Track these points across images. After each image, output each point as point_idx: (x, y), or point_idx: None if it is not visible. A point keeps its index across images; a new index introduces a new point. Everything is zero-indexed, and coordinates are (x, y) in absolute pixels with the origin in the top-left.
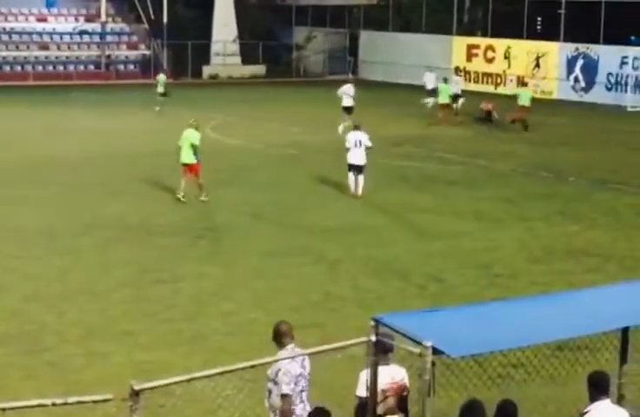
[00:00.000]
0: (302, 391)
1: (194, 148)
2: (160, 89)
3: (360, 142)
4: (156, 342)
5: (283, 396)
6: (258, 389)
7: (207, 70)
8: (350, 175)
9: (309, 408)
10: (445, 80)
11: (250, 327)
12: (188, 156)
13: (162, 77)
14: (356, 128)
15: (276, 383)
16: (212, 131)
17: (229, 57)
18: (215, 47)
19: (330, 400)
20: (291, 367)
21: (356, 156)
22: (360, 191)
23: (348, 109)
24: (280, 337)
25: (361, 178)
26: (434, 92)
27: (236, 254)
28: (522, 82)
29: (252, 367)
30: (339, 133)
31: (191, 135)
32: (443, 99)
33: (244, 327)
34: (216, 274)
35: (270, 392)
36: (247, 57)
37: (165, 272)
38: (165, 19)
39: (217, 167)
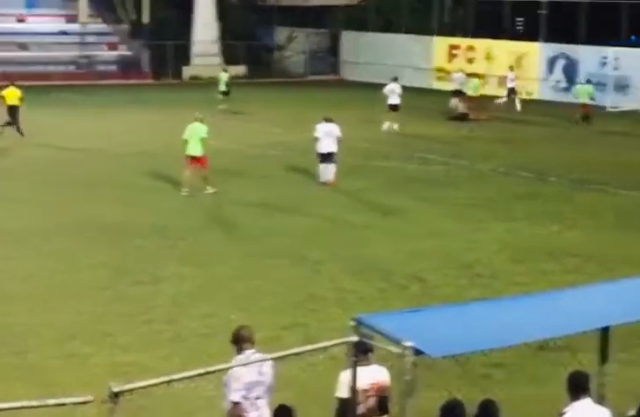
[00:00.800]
0: (257, 398)
1: (202, 141)
2: (222, 88)
3: (330, 132)
4: (135, 344)
5: (232, 403)
6: None
7: (187, 71)
8: (321, 166)
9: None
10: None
11: (229, 328)
12: (196, 149)
13: (223, 75)
14: (328, 120)
15: (227, 388)
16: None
17: (209, 58)
18: (195, 47)
19: (311, 400)
20: (242, 374)
21: (327, 145)
22: (331, 178)
23: (394, 107)
24: (240, 342)
25: (332, 166)
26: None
27: (216, 255)
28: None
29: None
30: (384, 130)
31: (199, 129)
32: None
33: (224, 328)
34: (195, 276)
35: (224, 396)
36: (228, 58)
37: (145, 273)
38: (145, 19)
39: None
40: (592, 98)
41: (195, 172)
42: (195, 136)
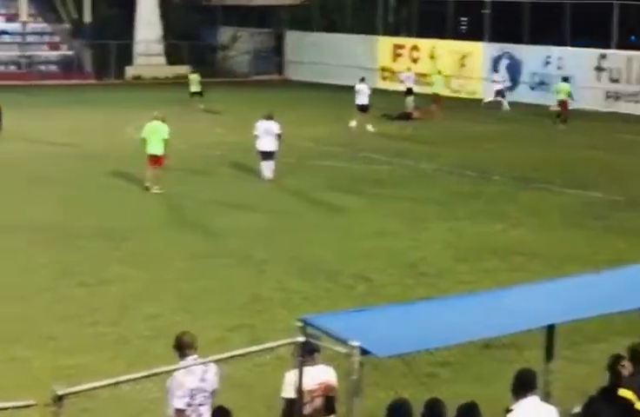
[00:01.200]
0: (200, 405)
1: (165, 141)
2: (194, 89)
3: (269, 130)
4: (79, 346)
5: (176, 410)
6: None
7: (130, 71)
8: (263, 163)
9: None
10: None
11: (175, 329)
12: (157, 148)
13: (194, 76)
14: (268, 118)
15: (170, 395)
16: (135, 132)
17: (153, 57)
18: (138, 47)
19: (258, 401)
20: (186, 381)
21: (266, 143)
22: (270, 175)
23: (362, 107)
24: (182, 348)
25: (272, 163)
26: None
27: (161, 256)
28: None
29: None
30: (352, 128)
31: (160, 129)
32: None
33: (169, 329)
34: (140, 277)
35: (168, 401)
36: (171, 58)
37: (88, 275)
38: (87, 19)
39: (141, 169)
40: (570, 96)
41: (153, 171)
42: (155, 135)
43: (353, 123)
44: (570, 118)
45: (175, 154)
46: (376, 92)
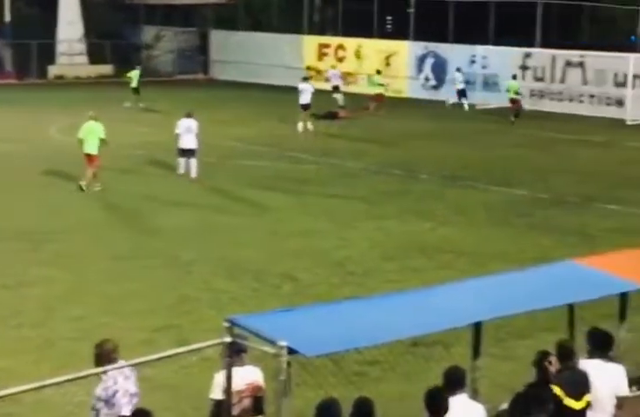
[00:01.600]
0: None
1: (101, 141)
2: (134, 84)
3: (190, 128)
4: (2, 349)
5: None
6: None
7: (52, 70)
8: (181, 160)
9: None
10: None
11: (101, 331)
12: (92, 147)
13: (135, 73)
14: (189, 116)
15: (110, 404)
16: (58, 133)
17: (75, 57)
18: (60, 46)
19: (185, 403)
20: (128, 387)
21: (187, 141)
22: (194, 174)
23: (304, 107)
24: (108, 355)
25: (193, 161)
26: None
27: (85, 257)
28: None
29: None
30: (299, 130)
31: (96, 129)
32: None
33: (95, 332)
34: (64, 279)
35: (97, 411)
36: (94, 57)
37: (9, 277)
38: (7, 18)
39: (63, 169)
40: (518, 93)
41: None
42: (91, 135)
43: (300, 124)
44: (495, 117)
45: (100, 154)
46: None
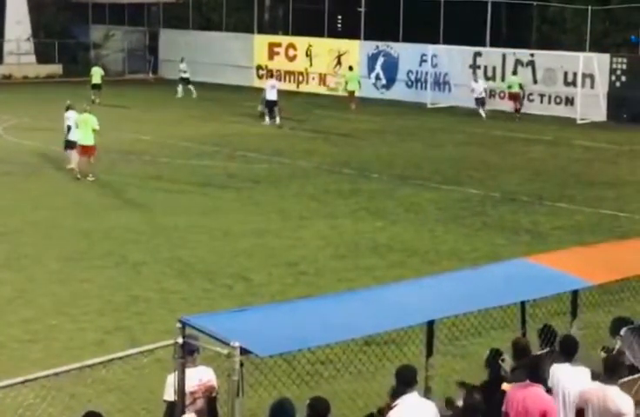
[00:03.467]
0: None
1: (95, 132)
2: (95, 81)
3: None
4: None
5: None
6: (61, 397)
7: (0, 70)
8: (73, 153)
9: None
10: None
11: (51, 333)
12: (87, 138)
13: (97, 69)
14: (70, 108)
15: None
16: (5, 132)
17: (23, 56)
18: (8, 46)
19: (138, 404)
20: None
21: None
22: (75, 166)
23: (271, 103)
24: None
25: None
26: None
27: (33, 259)
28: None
29: (56, 374)
30: (266, 124)
31: (89, 120)
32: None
33: (46, 333)
34: (12, 280)
35: None
36: (42, 56)
37: None
38: None
39: (11, 169)
40: (522, 88)
41: (82, 161)
42: (86, 126)
43: (266, 120)
44: (445, 115)
45: (46, 154)
46: (251, 90)
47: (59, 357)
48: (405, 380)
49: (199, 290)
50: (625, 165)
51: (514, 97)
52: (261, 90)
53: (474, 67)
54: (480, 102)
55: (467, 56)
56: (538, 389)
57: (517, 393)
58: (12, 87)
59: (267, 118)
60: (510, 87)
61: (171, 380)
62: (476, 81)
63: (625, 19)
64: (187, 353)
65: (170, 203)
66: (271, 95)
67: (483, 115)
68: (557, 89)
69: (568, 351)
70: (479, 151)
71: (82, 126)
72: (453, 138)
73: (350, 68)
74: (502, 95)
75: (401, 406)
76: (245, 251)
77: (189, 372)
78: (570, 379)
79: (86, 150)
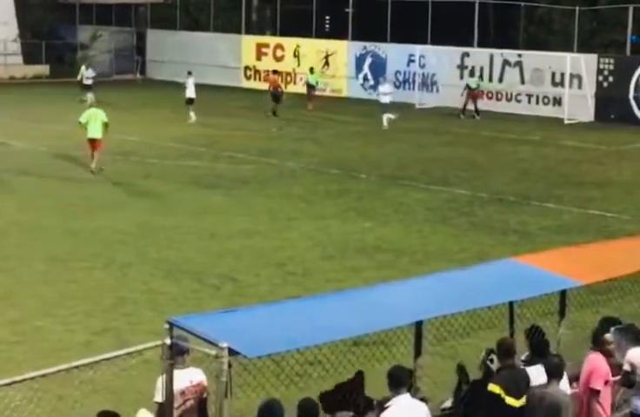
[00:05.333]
0: None
1: (105, 125)
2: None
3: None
4: None
5: None
6: (49, 399)
7: None
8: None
9: None
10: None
11: (38, 334)
12: (96, 132)
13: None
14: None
15: None
16: None
17: (10, 57)
18: None
19: (126, 406)
20: None
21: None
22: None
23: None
24: None
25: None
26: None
27: (20, 259)
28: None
29: (44, 375)
30: (191, 122)
31: (99, 114)
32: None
33: (32, 335)
34: None
35: None
36: (29, 57)
37: None
38: None
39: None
40: (479, 87)
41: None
42: (95, 120)
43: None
44: (431, 116)
45: (35, 155)
46: (239, 91)
47: (46, 358)
48: (397, 381)
49: (187, 291)
50: (613, 165)
51: (473, 97)
52: (249, 91)
53: (462, 67)
54: (384, 107)
55: (455, 57)
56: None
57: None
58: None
59: None
60: (470, 87)
61: (161, 381)
62: (381, 84)
63: (613, 19)
64: (177, 354)
65: (158, 204)
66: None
67: (385, 122)
68: (545, 89)
69: (536, 350)
70: (467, 151)
71: (91, 120)
72: (441, 138)
73: (311, 70)
74: (489, 95)
75: (394, 407)
76: (233, 252)
77: (179, 373)
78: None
79: (95, 144)
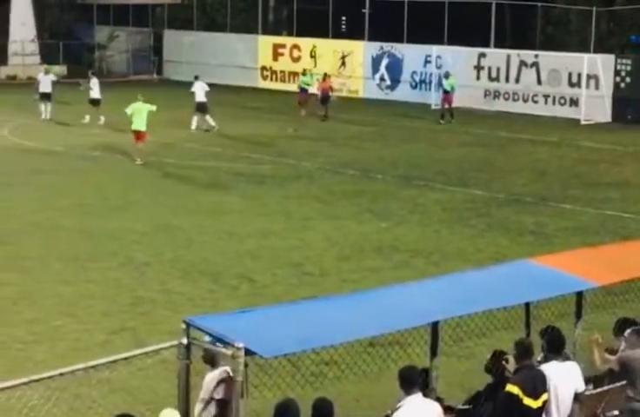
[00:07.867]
0: None
1: (150, 114)
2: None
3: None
4: None
5: None
6: (66, 398)
7: (5, 71)
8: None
9: None
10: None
11: (56, 334)
12: (140, 124)
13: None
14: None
15: None
16: (10, 134)
17: (28, 57)
18: (13, 46)
19: (142, 405)
20: None
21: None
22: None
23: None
24: None
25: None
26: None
27: (38, 259)
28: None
29: (61, 374)
30: (192, 130)
31: (143, 107)
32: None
33: (50, 334)
34: (17, 281)
35: None
36: (47, 57)
37: None
38: None
39: (11, 170)
40: (453, 89)
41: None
42: (139, 113)
43: (194, 124)
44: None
45: (51, 155)
46: (256, 91)
47: (63, 358)
48: (409, 381)
49: (204, 291)
50: (630, 166)
51: (447, 98)
52: (266, 91)
53: (478, 68)
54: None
55: (471, 57)
56: None
57: None
58: (17, 88)
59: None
60: (445, 90)
61: (210, 377)
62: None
63: (630, 20)
64: (209, 360)
65: (175, 204)
66: (199, 98)
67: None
68: (562, 90)
69: (552, 347)
70: (484, 152)
71: (136, 112)
72: (457, 139)
73: (304, 72)
74: (506, 96)
75: (406, 407)
76: (250, 252)
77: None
78: (560, 376)
79: (139, 136)
